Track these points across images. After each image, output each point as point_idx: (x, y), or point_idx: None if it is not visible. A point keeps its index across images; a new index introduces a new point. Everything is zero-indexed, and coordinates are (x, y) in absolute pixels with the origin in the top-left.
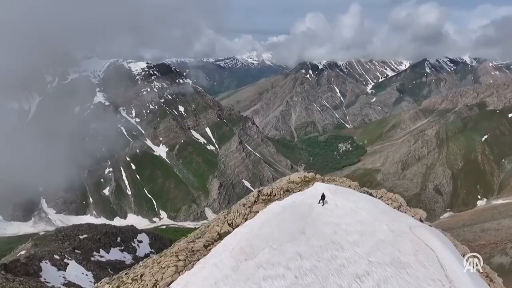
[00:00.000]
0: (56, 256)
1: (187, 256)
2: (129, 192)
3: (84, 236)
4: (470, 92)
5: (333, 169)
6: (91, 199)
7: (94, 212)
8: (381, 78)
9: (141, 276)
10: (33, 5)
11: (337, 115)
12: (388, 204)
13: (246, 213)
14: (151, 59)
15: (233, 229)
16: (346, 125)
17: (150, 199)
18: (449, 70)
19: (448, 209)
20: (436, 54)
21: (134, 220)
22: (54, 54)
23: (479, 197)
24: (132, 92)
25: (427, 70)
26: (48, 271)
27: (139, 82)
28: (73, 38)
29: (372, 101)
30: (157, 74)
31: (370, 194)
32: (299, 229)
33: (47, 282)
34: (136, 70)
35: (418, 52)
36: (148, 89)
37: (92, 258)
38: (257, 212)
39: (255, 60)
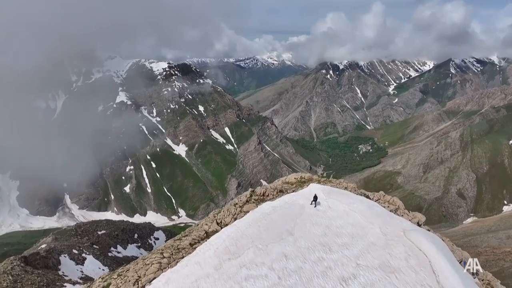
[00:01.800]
0: (75, 251)
1: (172, 253)
2: (149, 190)
3: (103, 232)
4: (498, 93)
5: (353, 171)
6: (112, 196)
7: (115, 208)
8: (404, 78)
9: (127, 271)
10: (60, 6)
11: (357, 116)
12: (384, 207)
13: (236, 212)
14: (173, 59)
15: (222, 228)
16: (367, 126)
17: (169, 197)
18: (476, 70)
19: (472, 214)
20: (462, 54)
21: (153, 217)
22: (79, 54)
23: (505, 202)
24: (153, 91)
25: (452, 70)
26: (66, 264)
27: (160, 82)
28: (97, 38)
29: (394, 102)
30: (178, 74)
31: (367, 197)
32: (287, 229)
33: (65, 276)
34: (158, 70)
35: (443, 52)
36: (169, 89)
37: (109, 254)
38: (248, 212)
39: (275, 60)
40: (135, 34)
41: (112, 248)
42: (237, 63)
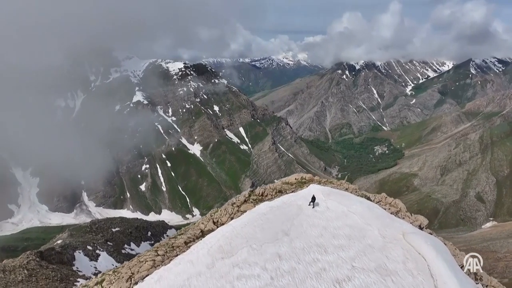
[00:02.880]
0: (89, 247)
1: (166, 251)
2: (164, 189)
3: (117, 229)
4: None
5: (368, 172)
6: (128, 194)
7: (130, 206)
8: (422, 79)
9: (122, 268)
10: (79, 7)
11: (373, 117)
12: (385, 209)
13: (233, 212)
14: (189, 59)
15: (218, 227)
16: (383, 127)
17: (183, 196)
18: (497, 71)
19: (491, 218)
20: (483, 54)
21: (168, 216)
22: (98, 55)
23: None
24: (169, 91)
25: (472, 71)
26: (80, 260)
27: (176, 82)
28: (115, 38)
29: (411, 103)
30: (194, 74)
31: (368, 198)
32: (283, 230)
33: (79, 271)
34: (174, 70)
35: (463, 52)
36: (185, 89)
37: (123, 251)
38: (245, 211)
39: (291, 61)
40: (152, 35)
41: (125, 245)
42: (253, 63)
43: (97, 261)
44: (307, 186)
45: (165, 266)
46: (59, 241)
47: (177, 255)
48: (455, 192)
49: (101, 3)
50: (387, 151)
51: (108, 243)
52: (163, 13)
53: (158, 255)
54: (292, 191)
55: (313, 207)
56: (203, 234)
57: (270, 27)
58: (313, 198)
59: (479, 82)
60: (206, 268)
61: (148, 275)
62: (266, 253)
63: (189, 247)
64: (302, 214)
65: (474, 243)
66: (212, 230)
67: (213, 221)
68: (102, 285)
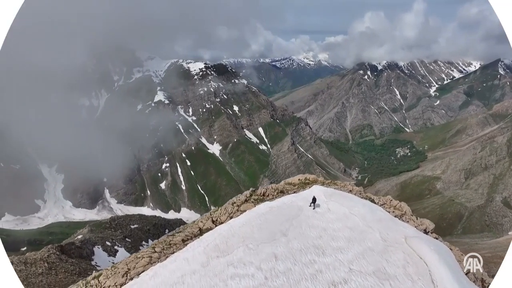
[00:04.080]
0: (108, 243)
1: (163, 248)
2: (184, 187)
3: (135, 226)
4: None
5: (389, 174)
6: (148, 192)
7: (151, 204)
8: (447, 80)
9: (120, 264)
10: (106, 9)
11: (396, 118)
12: (389, 212)
13: (233, 211)
14: (210, 59)
15: (216, 226)
16: (406, 129)
17: (202, 195)
18: None
19: None
20: None
21: (187, 214)
22: (121, 55)
23: None
24: (190, 91)
25: (501, 71)
26: (99, 255)
27: (196, 82)
28: (138, 39)
29: (435, 104)
30: (214, 74)
31: (372, 201)
32: (281, 230)
33: (97, 266)
34: (194, 70)
35: (491, 52)
36: (205, 89)
37: (141, 247)
38: (244, 211)
39: (311, 61)
40: (174, 35)
41: (143, 242)
42: (273, 63)
43: (115, 257)
44: (309, 187)
45: (161, 263)
46: (79, 236)
47: (173, 253)
48: (480, 196)
49: (125, 4)
50: (409, 153)
51: (127, 239)
52: (185, 14)
53: (155, 252)
54: (294, 192)
55: (313, 208)
56: (201, 232)
57: (291, 27)
58: (314, 199)
59: (508, 83)
60: (201, 266)
61: (143, 271)
62: (262, 253)
63: (186, 245)
64: (302, 215)
65: (500, 250)
66: (211, 229)
67: (212, 220)
68: (99, 279)
